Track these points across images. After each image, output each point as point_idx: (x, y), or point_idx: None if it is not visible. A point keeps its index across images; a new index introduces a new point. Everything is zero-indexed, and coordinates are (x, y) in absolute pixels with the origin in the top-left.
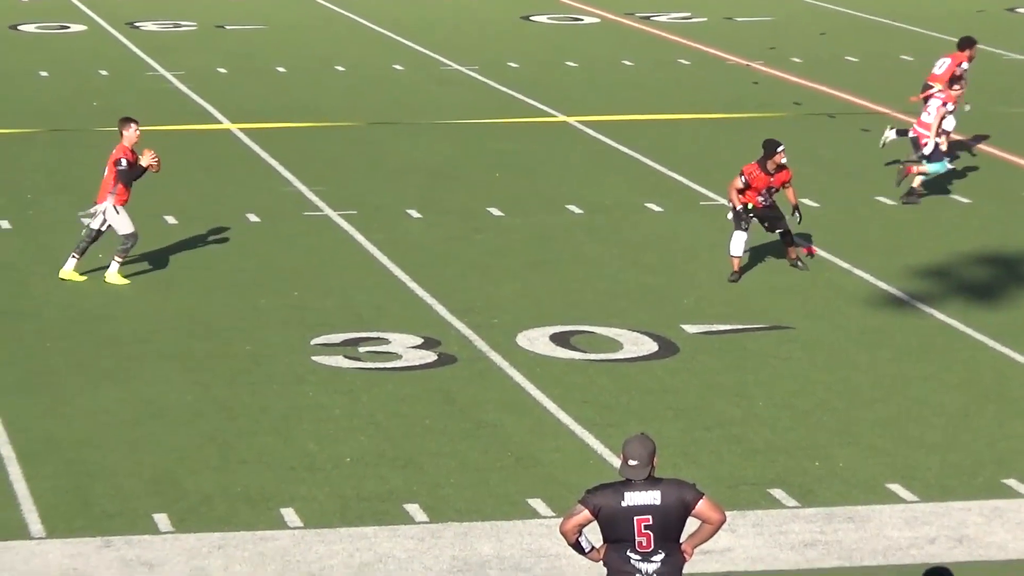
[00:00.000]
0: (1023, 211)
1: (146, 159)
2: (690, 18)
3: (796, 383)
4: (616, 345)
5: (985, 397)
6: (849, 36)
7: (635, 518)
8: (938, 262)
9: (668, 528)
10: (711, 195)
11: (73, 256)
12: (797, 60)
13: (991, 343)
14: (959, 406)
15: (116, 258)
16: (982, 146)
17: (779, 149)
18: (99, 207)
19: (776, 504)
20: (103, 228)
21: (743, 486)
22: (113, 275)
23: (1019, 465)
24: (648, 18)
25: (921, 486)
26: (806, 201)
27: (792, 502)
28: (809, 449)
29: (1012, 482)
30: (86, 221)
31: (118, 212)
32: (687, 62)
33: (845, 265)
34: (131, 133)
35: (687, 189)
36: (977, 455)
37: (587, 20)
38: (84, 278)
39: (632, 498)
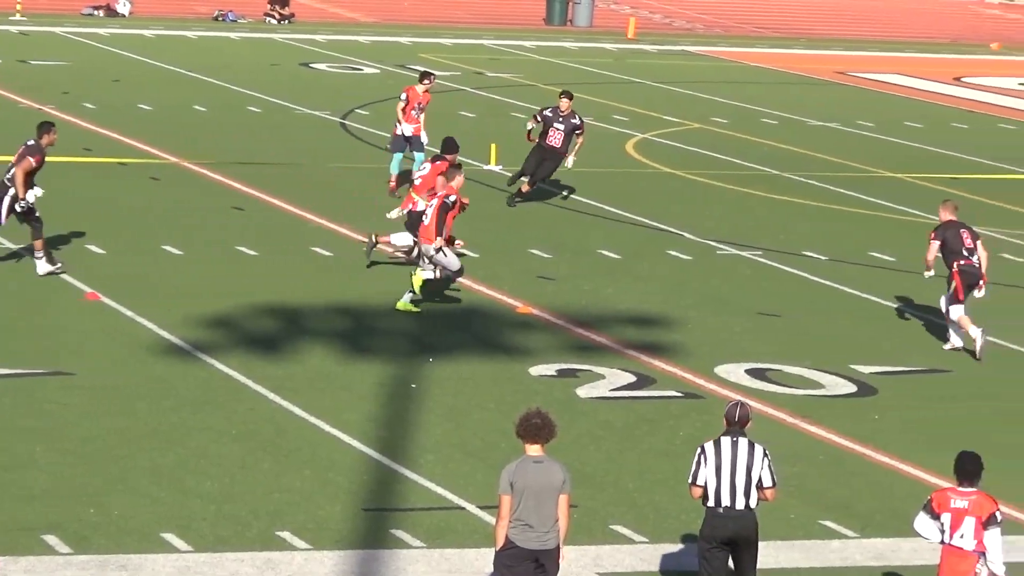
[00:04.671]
0: (307, 264)
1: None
2: None
3: (78, 429)
4: None
5: (263, 449)
6: (144, 84)
7: None
8: (222, 312)
9: None
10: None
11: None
12: (90, 106)
13: (271, 395)
14: (237, 457)
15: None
16: (265, 195)
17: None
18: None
19: (49, 550)
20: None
21: (18, 531)
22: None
23: (293, 518)
24: None
25: (195, 536)
26: (93, 247)
27: (65, 548)
28: (85, 496)
29: (286, 534)
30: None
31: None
32: None
33: (129, 313)
34: (460, 180)
35: None
36: (252, 506)
37: None
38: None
39: None
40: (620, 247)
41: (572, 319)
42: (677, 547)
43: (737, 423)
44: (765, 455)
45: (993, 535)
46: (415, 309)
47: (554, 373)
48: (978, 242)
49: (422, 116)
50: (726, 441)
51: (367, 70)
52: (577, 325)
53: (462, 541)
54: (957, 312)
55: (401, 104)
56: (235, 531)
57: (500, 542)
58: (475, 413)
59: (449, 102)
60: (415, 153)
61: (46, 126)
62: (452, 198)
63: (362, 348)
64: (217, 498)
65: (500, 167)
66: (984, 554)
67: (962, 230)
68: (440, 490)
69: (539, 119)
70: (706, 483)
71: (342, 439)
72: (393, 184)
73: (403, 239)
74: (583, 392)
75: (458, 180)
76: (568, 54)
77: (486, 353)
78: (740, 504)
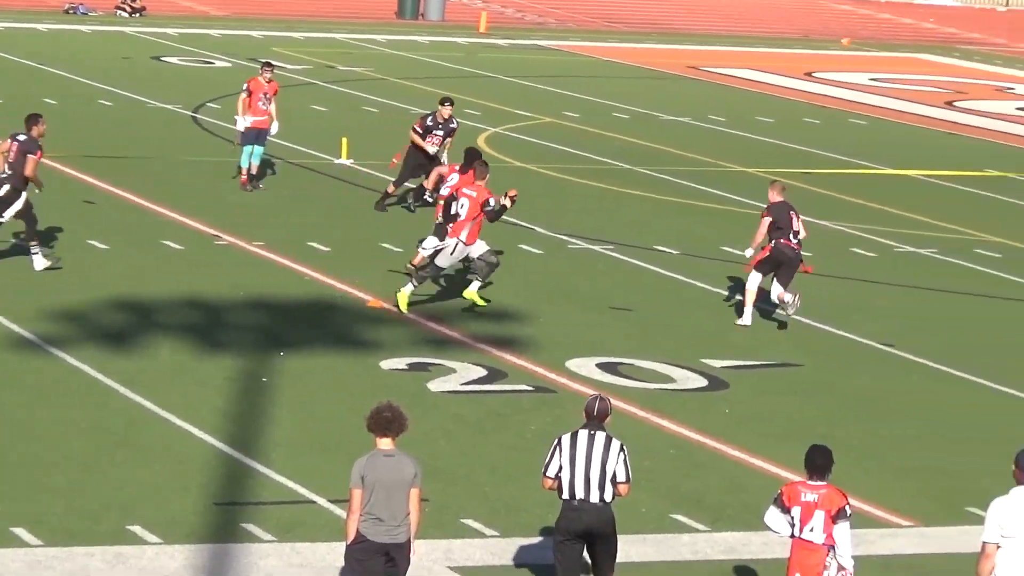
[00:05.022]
0: (158, 257)
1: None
2: None
3: None
4: None
5: (114, 443)
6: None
7: None
8: (72, 306)
9: None
10: None
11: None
12: None
13: (122, 389)
14: (88, 451)
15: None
16: (116, 188)
17: None
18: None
19: None
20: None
21: None
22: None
23: (144, 512)
24: None
25: (45, 530)
26: None
27: None
28: None
29: (137, 528)
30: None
31: (452, 252)
32: None
33: None
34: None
35: None
36: (104, 501)
37: None
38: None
39: None
40: None
41: (423, 313)
42: (528, 541)
43: (596, 417)
44: (622, 450)
45: (842, 529)
46: (482, 301)
47: (405, 367)
48: (801, 226)
49: (272, 107)
50: (583, 434)
51: (219, 63)
52: (428, 319)
53: (313, 535)
54: (756, 281)
55: (244, 96)
56: (86, 525)
57: (351, 536)
58: (326, 407)
59: (300, 96)
60: (256, 147)
61: (35, 118)
62: (490, 200)
63: (213, 342)
64: (68, 492)
65: (351, 161)
66: (834, 547)
67: (791, 211)
68: (291, 484)
69: (419, 130)
70: (560, 475)
71: (193, 433)
72: (244, 178)
73: (431, 242)
74: (434, 386)
75: (488, 177)
76: (420, 48)
77: (337, 347)
78: (595, 498)
